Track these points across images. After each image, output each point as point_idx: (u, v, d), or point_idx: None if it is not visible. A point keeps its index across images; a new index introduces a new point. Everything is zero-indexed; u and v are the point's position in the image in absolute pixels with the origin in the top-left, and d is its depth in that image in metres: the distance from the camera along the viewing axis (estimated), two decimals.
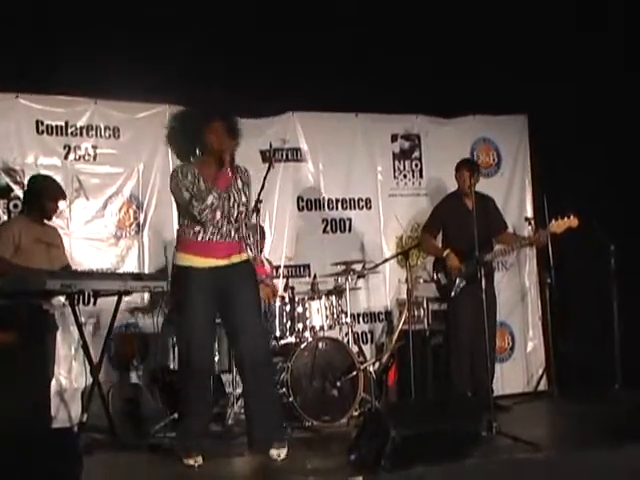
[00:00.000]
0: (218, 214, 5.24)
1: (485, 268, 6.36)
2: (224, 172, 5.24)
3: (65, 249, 6.53)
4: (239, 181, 5.37)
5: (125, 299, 6.23)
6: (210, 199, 5.18)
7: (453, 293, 6.94)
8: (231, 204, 5.31)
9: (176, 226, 7.22)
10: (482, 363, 6.54)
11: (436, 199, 7.92)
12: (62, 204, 6.57)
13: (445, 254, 6.98)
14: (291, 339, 6.82)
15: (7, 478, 4.16)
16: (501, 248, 7.08)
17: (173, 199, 5.47)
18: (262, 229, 7.14)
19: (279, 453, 5.27)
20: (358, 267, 7.38)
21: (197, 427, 5.31)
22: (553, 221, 6.75)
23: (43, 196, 6.23)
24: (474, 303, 6.20)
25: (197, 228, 5.27)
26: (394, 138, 8.35)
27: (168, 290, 6.03)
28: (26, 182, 6.56)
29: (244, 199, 5.37)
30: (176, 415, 6.26)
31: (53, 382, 6.41)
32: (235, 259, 5.34)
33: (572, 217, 6.67)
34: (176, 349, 6.11)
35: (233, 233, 5.34)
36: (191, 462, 5.17)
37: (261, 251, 6.79)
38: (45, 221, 6.34)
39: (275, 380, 6.37)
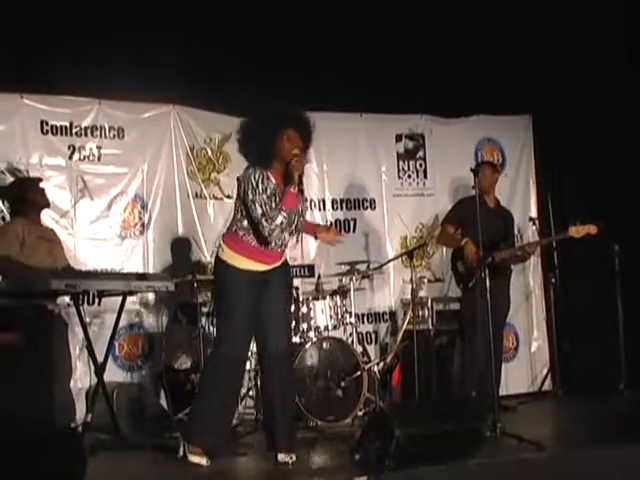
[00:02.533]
0: (286, 234, 5.22)
1: (500, 269, 6.79)
2: (293, 191, 5.14)
3: (67, 250, 6.53)
4: (302, 195, 5.30)
5: (129, 299, 6.24)
6: (279, 219, 5.08)
7: (471, 283, 6.91)
8: (295, 219, 5.25)
9: (181, 228, 7.40)
10: (489, 362, 6.51)
11: (441, 199, 7.93)
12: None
13: (463, 242, 6.96)
14: (295, 339, 6.80)
15: (12, 478, 4.17)
16: (507, 253, 7.05)
17: (243, 200, 5.17)
18: None
19: (290, 457, 5.19)
20: (362, 267, 7.38)
21: (209, 425, 5.22)
22: (571, 226, 6.75)
23: (28, 192, 6.25)
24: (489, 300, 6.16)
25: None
26: (398, 138, 8.34)
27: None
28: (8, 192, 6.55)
29: (305, 213, 5.38)
30: (180, 415, 6.28)
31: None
32: (280, 263, 5.35)
33: (592, 225, 6.69)
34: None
35: (287, 241, 5.31)
36: (196, 460, 5.12)
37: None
38: (42, 221, 6.38)
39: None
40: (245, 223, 5.20)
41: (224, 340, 5.25)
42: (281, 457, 5.19)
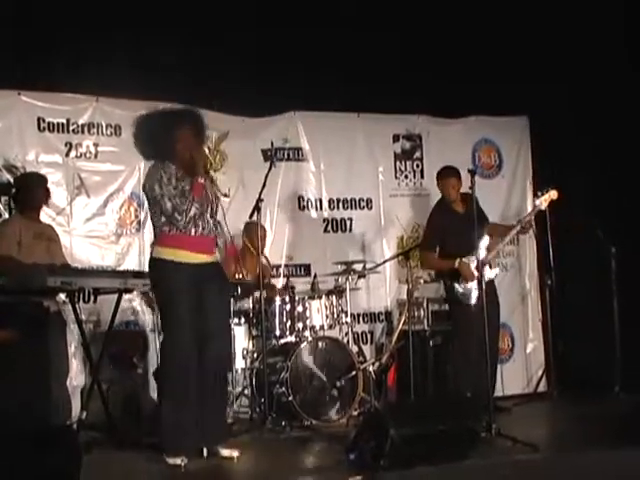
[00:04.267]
0: (200, 222, 5.23)
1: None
2: (201, 181, 5.21)
3: (63, 247, 6.52)
4: (207, 181, 5.34)
5: (125, 297, 6.23)
6: (192, 210, 5.15)
7: (475, 300, 6.75)
8: (209, 202, 5.30)
9: None
10: (484, 362, 6.49)
11: (437, 200, 7.92)
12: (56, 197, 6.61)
13: (457, 264, 6.78)
14: (291, 338, 6.82)
15: (7, 475, 4.16)
16: (493, 241, 6.98)
17: (154, 199, 5.21)
18: (263, 228, 7.15)
19: (234, 452, 5.25)
20: (358, 267, 7.38)
21: (185, 425, 5.19)
22: (536, 199, 6.76)
23: (33, 187, 6.24)
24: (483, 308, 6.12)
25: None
26: (396, 138, 8.35)
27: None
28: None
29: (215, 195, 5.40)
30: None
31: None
32: (214, 257, 5.36)
33: (551, 190, 6.68)
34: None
35: (212, 227, 5.32)
36: (178, 461, 5.06)
37: (262, 250, 6.79)
38: (41, 218, 6.36)
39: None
40: (162, 218, 5.21)
41: (172, 341, 5.19)
42: (225, 452, 5.24)
